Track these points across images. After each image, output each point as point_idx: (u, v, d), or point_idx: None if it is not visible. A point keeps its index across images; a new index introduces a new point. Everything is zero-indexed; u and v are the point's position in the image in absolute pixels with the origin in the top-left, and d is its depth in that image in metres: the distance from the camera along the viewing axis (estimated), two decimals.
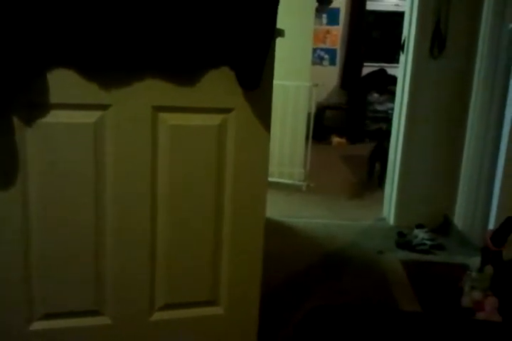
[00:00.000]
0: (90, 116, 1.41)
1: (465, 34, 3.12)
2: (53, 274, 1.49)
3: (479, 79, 3.04)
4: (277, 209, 3.46)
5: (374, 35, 7.34)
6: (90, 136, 1.42)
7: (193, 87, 1.45)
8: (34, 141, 1.38)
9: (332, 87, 7.19)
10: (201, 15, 1.36)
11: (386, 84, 6.70)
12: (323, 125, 6.57)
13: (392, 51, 6.58)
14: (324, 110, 6.84)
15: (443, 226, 3.32)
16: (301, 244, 3.04)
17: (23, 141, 1.37)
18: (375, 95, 6.93)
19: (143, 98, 1.43)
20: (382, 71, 6.96)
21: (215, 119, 1.51)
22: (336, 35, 7.12)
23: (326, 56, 7.15)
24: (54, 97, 1.36)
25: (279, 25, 1.44)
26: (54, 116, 1.38)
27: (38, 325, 1.51)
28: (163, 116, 1.46)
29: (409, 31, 3.24)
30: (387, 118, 6.20)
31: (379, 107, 6.92)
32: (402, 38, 3.34)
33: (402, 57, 3.38)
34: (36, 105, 1.36)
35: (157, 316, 1.60)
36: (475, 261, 2.31)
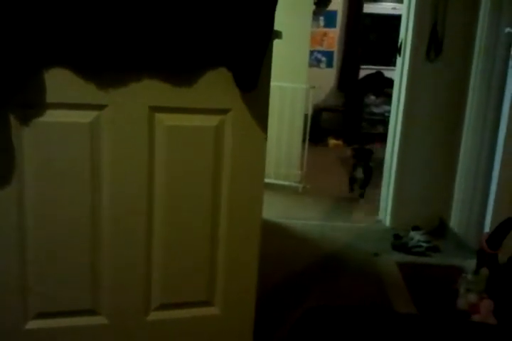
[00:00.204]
0: (86, 116, 1.41)
1: (461, 37, 3.13)
2: (49, 273, 1.48)
3: (475, 82, 3.06)
4: (274, 210, 3.46)
5: (371, 38, 7.35)
6: (86, 135, 1.42)
7: (190, 88, 1.45)
8: (30, 140, 1.38)
9: (329, 89, 7.20)
10: (199, 15, 1.36)
11: (383, 87, 6.71)
12: (319, 127, 6.57)
13: (389, 54, 6.60)
14: (321, 112, 6.85)
15: (439, 229, 3.33)
16: (297, 246, 3.05)
17: (20, 140, 1.37)
18: (372, 97, 6.96)
19: (140, 98, 1.43)
20: (379, 74, 6.98)
21: (212, 120, 1.51)
22: (333, 37, 7.13)
23: (323, 58, 7.17)
24: (50, 97, 1.36)
25: (276, 27, 1.44)
26: (50, 116, 1.38)
27: (33, 324, 1.50)
28: (160, 116, 1.46)
29: (406, 34, 3.26)
30: (384, 121, 6.22)
31: (376, 110, 6.94)
32: (399, 41, 3.35)
33: (398, 60, 3.39)
34: (32, 104, 1.36)
35: (153, 316, 1.60)
36: (470, 264, 2.32)
